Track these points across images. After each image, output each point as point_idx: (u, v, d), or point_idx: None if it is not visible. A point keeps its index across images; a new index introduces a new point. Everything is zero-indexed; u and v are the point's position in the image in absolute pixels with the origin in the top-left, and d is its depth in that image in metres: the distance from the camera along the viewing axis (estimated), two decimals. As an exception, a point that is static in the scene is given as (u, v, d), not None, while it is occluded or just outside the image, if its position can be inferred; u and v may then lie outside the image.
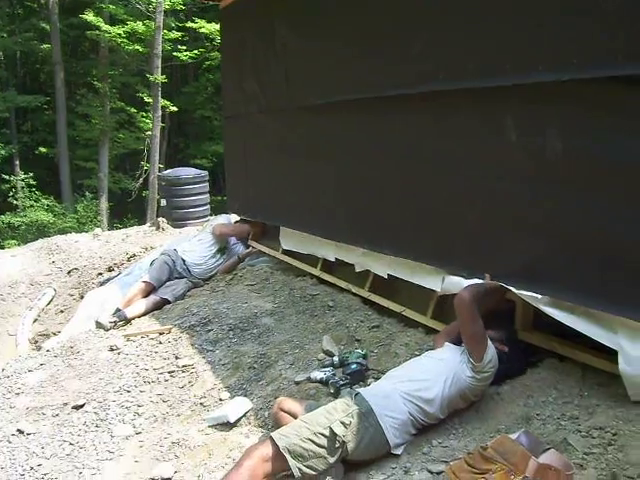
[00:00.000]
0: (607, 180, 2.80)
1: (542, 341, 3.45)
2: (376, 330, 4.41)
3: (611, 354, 2.96)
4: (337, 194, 4.98)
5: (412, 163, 4.06)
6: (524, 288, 3.30)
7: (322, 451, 2.87)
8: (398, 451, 3.00)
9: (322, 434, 2.89)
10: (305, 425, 2.94)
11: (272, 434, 2.90)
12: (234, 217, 7.24)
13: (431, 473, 2.76)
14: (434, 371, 3.19)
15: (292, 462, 2.81)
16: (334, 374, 3.84)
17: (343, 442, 2.88)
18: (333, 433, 2.88)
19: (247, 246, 6.98)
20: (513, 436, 2.51)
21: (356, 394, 3.13)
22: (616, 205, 2.79)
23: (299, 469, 2.82)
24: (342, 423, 2.92)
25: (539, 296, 3.21)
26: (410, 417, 3.05)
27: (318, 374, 3.85)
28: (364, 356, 3.99)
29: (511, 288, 3.38)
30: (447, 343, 3.48)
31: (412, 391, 3.09)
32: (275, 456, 2.82)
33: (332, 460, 2.87)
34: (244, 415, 3.71)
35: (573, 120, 2.93)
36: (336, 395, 3.53)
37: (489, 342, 3.17)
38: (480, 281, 3.51)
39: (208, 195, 11.12)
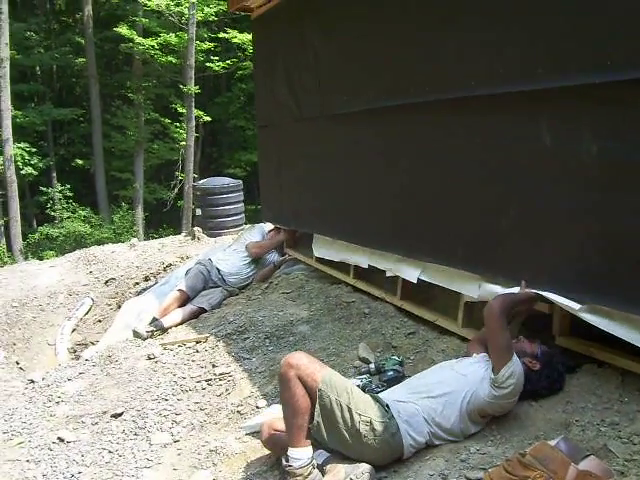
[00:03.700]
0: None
1: (580, 347, 3.41)
2: (412, 337, 4.39)
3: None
4: (371, 201, 4.98)
5: (447, 169, 4.04)
6: (561, 294, 3.26)
7: (341, 423, 2.97)
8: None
9: (350, 412, 2.97)
10: (349, 394, 3.03)
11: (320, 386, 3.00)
12: (269, 226, 7.24)
13: (469, 480, 2.75)
14: (454, 386, 3.15)
15: (317, 408, 2.97)
16: (371, 381, 3.84)
17: (364, 441, 2.96)
18: (358, 429, 2.96)
19: (282, 254, 7.01)
20: (552, 442, 2.49)
21: (386, 405, 3.10)
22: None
23: (319, 414, 2.97)
24: (370, 424, 2.96)
25: (577, 305, 3.15)
26: (428, 437, 3.08)
27: (355, 381, 3.82)
28: (400, 363, 3.97)
29: (548, 295, 3.34)
30: (476, 355, 3.42)
31: (432, 412, 3.08)
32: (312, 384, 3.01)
33: (347, 436, 2.96)
34: (281, 423, 3.71)
35: (608, 122, 2.90)
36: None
37: (514, 357, 3.07)
38: (512, 290, 3.48)
39: (243, 204, 11.20)
